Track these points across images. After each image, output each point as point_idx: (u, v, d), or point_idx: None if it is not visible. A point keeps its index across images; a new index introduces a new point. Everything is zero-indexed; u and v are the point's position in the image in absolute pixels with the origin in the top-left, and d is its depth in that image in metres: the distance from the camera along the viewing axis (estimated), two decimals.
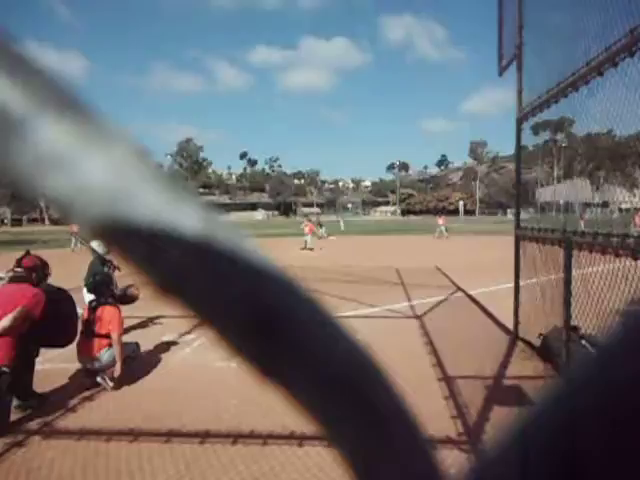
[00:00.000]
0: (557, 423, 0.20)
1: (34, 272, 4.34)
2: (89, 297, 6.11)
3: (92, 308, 4.86)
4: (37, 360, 4.36)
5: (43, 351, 4.48)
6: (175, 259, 0.19)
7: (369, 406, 0.22)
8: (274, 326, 0.20)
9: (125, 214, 0.18)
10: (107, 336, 4.70)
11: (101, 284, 5.03)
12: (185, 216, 0.19)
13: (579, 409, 0.19)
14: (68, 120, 0.18)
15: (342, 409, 0.22)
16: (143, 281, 0.19)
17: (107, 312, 4.80)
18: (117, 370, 4.59)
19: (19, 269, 4.31)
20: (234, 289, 0.20)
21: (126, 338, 5.06)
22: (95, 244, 6.39)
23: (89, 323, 4.75)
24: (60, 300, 4.32)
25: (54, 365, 5.08)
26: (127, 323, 6.60)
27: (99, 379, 4.60)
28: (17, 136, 0.17)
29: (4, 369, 3.81)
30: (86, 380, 4.65)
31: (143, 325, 7.09)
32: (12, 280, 4.23)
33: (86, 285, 5.91)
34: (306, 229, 23.04)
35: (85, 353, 4.66)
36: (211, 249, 0.19)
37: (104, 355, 4.65)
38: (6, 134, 0.17)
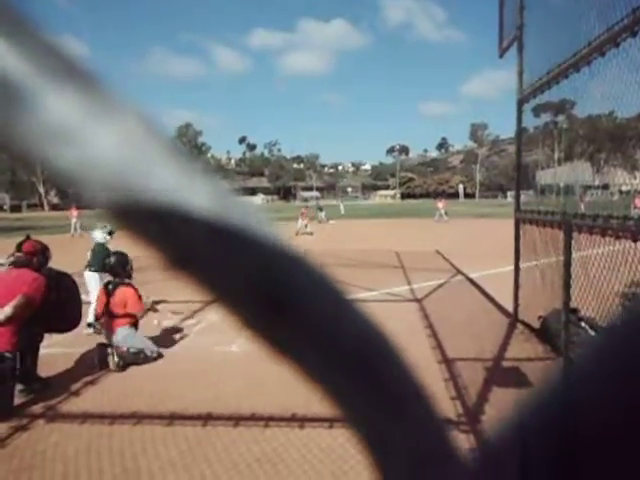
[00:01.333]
0: (558, 410, 0.20)
1: (34, 256, 4.34)
2: (92, 280, 6.16)
3: (109, 289, 4.98)
4: (41, 345, 4.39)
5: (47, 335, 4.52)
6: (187, 235, 0.19)
7: (383, 382, 0.22)
8: (287, 302, 0.20)
9: (136, 189, 0.18)
10: (125, 316, 4.90)
11: (118, 265, 5.12)
12: (198, 192, 0.19)
13: (581, 395, 0.19)
14: (76, 90, 0.17)
15: (356, 385, 0.22)
16: (156, 258, 0.19)
17: (123, 292, 4.96)
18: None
19: (19, 254, 4.32)
20: (247, 266, 0.20)
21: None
22: (97, 233, 6.42)
23: (107, 303, 4.92)
24: (63, 284, 4.33)
25: (58, 349, 5.11)
26: None
27: (108, 351, 4.71)
28: (21, 106, 0.17)
29: (7, 355, 3.83)
30: (92, 363, 4.70)
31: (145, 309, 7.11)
32: (12, 264, 4.23)
33: (94, 267, 6.04)
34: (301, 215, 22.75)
35: (108, 330, 4.94)
36: (223, 226, 0.19)
37: (120, 333, 4.84)
38: (10, 104, 0.17)
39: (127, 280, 5.18)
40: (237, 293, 0.20)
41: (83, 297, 4.82)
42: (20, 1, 0.17)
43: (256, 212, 0.21)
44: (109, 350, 4.70)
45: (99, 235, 6.44)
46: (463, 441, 3.24)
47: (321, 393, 0.22)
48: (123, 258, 5.30)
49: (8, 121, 0.17)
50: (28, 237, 4.61)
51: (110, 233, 6.40)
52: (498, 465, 0.22)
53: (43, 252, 4.52)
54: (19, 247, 4.39)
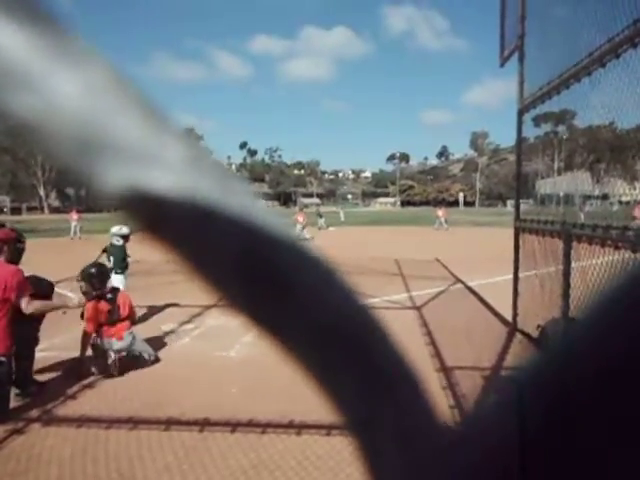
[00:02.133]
0: (555, 366, 0.20)
1: (5, 245, 4.11)
2: (118, 282, 6.23)
3: (109, 297, 4.95)
4: (38, 348, 4.38)
5: (43, 339, 4.50)
6: (160, 198, 0.17)
7: (369, 357, 0.22)
8: (271, 277, 0.19)
9: (102, 144, 0.17)
10: (126, 320, 4.95)
11: (94, 276, 5.05)
12: (170, 149, 0.18)
13: (578, 349, 0.19)
14: (38, 32, 0.16)
15: (341, 360, 0.21)
16: (129, 221, 0.18)
17: (122, 298, 5.03)
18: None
19: None
20: (230, 241, 0.19)
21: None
22: (116, 229, 6.51)
23: (110, 311, 4.90)
24: (41, 290, 4.28)
25: (54, 353, 5.10)
26: None
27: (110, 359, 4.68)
28: None
29: (1, 358, 3.79)
30: (88, 367, 4.68)
31: (144, 314, 7.11)
32: None
33: (118, 270, 6.13)
34: (299, 218, 22.57)
35: (110, 337, 4.85)
36: (198, 188, 0.18)
37: (127, 338, 4.85)
38: None
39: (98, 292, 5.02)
40: (222, 268, 0.19)
41: None
42: None
43: (233, 177, 0.19)
44: (112, 355, 4.68)
45: (115, 238, 6.57)
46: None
47: (307, 372, 0.21)
48: (104, 269, 5.31)
49: None
50: (2, 225, 4.50)
51: (124, 237, 6.46)
52: (494, 422, 0.22)
53: (16, 241, 4.26)
54: None
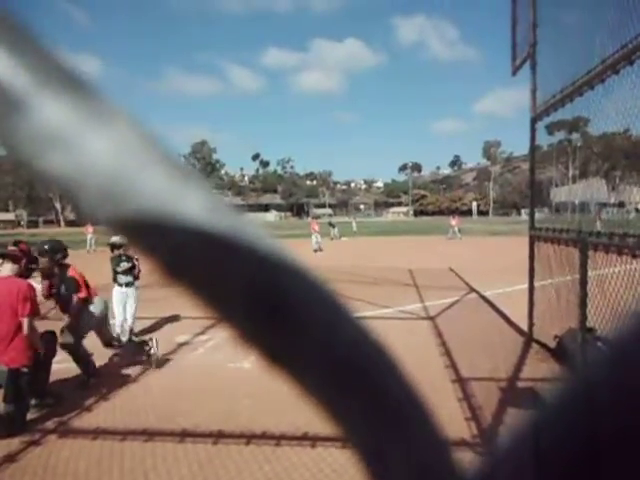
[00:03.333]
0: (571, 419, 0.20)
1: (25, 257, 4.26)
2: (119, 293, 6.11)
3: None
4: (55, 359, 4.42)
5: (59, 349, 4.55)
6: (179, 244, 0.19)
7: (378, 390, 0.21)
8: (281, 309, 0.20)
9: (128, 197, 0.18)
10: None
11: (49, 251, 4.94)
12: (190, 201, 0.19)
13: (594, 406, 0.19)
14: (69, 97, 0.17)
15: (350, 394, 0.21)
16: (151, 265, 0.19)
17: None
18: None
19: (13, 248, 4.30)
20: (240, 273, 0.19)
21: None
22: (115, 237, 6.40)
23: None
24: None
25: (71, 364, 5.13)
26: (142, 324, 6.67)
27: None
28: (16, 112, 0.17)
29: (24, 370, 3.85)
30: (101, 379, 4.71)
31: (157, 325, 7.14)
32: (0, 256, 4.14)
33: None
34: (315, 227, 22.73)
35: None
36: (216, 233, 0.19)
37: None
38: (6, 110, 0.17)
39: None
40: (229, 300, 0.20)
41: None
42: (19, 10, 0.18)
43: (249, 222, 0.20)
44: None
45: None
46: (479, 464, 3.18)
47: (318, 408, 0.21)
48: (59, 245, 5.14)
49: (4, 127, 0.17)
50: (20, 242, 4.59)
51: (114, 246, 6.24)
52: (512, 465, 0.22)
53: (30, 261, 4.39)
54: (16, 244, 4.39)
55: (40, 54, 0.18)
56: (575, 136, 6.67)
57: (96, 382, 4.74)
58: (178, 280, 0.19)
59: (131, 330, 6.06)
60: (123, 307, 6.05)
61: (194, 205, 0.19)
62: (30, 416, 3.95)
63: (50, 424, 3.89)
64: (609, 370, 0.19)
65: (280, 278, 0.20)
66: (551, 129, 5.91)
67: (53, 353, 4.39)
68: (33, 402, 4.06)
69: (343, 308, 0.21)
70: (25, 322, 3.89)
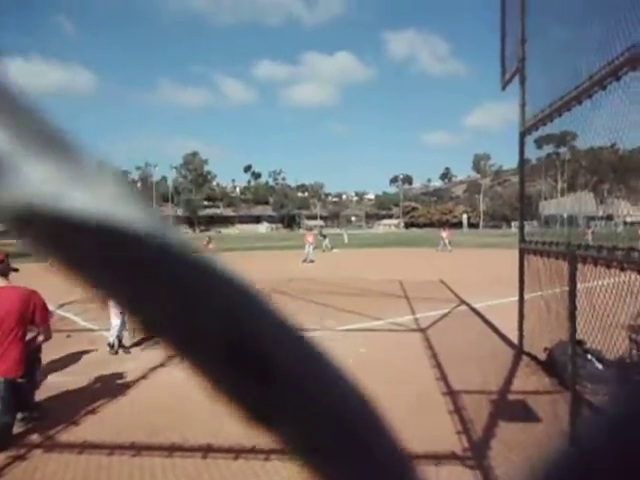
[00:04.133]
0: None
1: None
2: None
3: None
4: (42, 373, 4.35)
5: (45, 363, 4.48)
6: (156, 302, 0.18)
7: (362, 446, 0.21)
8: (264, 367, 0.19)
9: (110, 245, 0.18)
10: None
11: None
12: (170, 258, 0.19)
13: (593, 472, 0.19)
14: (53, 158, 0.18)
15: (334, 449, 0.21)
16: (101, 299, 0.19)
17: None
18: None
19: None
20: (213, 324, 0.19)
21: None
22: None
23: None
24: None
25: (59, 378, 5.07)
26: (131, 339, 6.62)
27: None
28: (3, 174, 0.17)
29: (19, 380, 3.80)
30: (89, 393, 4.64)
31: (148, 341, 7.08)
32: None
33: None
34: (309, 238, 22.80)
35: None
36: (192, 287, 0.19)
37: None
38: None
39: None
40: (209, 358, 0.19)
41: None
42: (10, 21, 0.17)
43: (212, 259, 0.20)
44: None
45: None
46: (469, 477, 3.16)
47: (298, 457, 0.21)
48: None
49: None
50: None
51: None
52: None
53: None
54: None
55: (25, 118, 0.18)
56: (563, 150, 6.75)
57: (83, 396, 4.67)
58: (160, 337, 0.19)
59: (120, 340, 6.27)
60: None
61: (174, 262, 0.19)
62: (16, 430, 3.88)
63: (36, 438, 3.82)
64: (606, 439, 0.19)
65: (258, 330, 0.20)
66: (540, 143, 5.98)
67: (39, 364, 4.33)
68: (19, 416, 3.99)
69: (324, 356, 0.21)
70: (44, 328, 3.95)
